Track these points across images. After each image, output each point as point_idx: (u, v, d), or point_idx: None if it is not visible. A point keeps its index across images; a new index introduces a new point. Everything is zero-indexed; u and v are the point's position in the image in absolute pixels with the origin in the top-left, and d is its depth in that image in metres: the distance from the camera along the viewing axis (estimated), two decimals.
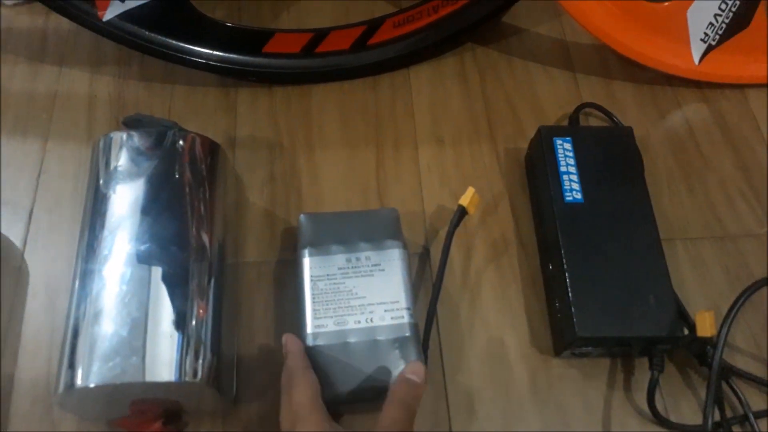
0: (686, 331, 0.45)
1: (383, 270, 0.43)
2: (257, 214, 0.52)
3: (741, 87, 0.60)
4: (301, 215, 0.47)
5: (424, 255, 0.51)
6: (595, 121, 0.59)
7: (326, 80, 0.58)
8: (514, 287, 0.50)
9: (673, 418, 0.45)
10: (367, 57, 0.57)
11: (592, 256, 0.46)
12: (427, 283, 0.50)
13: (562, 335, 0.46)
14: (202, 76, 0.58)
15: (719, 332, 0.42)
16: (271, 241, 0.51)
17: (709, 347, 0.45)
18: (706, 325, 0.43)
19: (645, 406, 0.45)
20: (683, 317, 0.48)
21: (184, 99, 0.57)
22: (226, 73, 0.56)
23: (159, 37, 0.54)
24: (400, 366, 0.41)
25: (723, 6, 0.55)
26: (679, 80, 0.60)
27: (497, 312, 0.49)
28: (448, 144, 0.56)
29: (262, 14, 0.64)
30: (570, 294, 0.45)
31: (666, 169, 0.56)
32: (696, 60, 0.58)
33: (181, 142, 0.45)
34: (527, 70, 0.61)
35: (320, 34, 0.56)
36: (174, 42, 0.54)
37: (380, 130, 0.57)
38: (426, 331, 0.44)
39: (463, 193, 0.49)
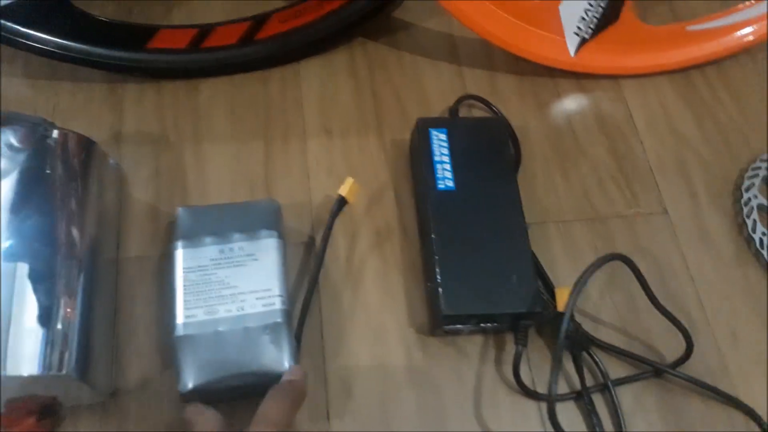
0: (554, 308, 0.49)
1: (257, 259, 0.44)
2: (141, 210, 0.52)
3: (615, 78, 0.64)
4: (179, 208, 0.48)
5: (310, 244, 0.53)
6: (479, 112, 0.61)
7: (215, 75, 0.59)
8: (395, 272, 0.52)
9: (539, 389, 0.49)
10: (255, 51, 0.58)
11: (460, 239, 0.48)
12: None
13: (434, 315, 0.48)
14: (88, 72, 0.57)
15: (567, 303, 0.45)
16: (154, 235, 0.51)
17: (567, 320, 0.48)
18: (565, 300, 0.47)
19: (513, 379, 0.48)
20: (552, 295, 0.52)
21: (70, 96, 0.57)
22: (111, 69, 0.56)
23: (39, 34, 0.53)
24: (271, 351, 0.42)
25: (592, 2, 0.59)
26: (559, 72, 0.64)
27: (378, 297, 0.51)
28: (337, 136, 0.58)
29: (153, 12, 0.64)
30: (438, 275, 0.47)
31: (543, 157, 0.59)
32: (571, 52, 0.61)
33: (52, 139, 0.45)
34: (415, 64, 0.63)
35: (205, 30, 0.57)
36: (55, 39, 0.54)
37: (269, 123, 0.58)
38: (301, 318, 0.45)
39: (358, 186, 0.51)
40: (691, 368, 0.50)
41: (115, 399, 0.45)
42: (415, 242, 0.53)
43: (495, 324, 0.48)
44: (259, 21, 0.57)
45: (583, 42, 0.61)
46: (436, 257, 0.47)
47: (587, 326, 0.51)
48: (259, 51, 0.58)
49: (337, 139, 0.58)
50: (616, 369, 0.50)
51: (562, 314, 0.47)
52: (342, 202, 0.49)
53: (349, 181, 0.50)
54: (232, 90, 0.59)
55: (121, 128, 0.56)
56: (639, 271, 0.48)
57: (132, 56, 0.55)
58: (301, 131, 0.58)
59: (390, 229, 0.54)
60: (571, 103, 0.63)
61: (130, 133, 0.56)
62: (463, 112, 0.61)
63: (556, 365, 0.43)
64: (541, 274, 0.52)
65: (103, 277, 0.45)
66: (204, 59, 0.57)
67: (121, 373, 0.46)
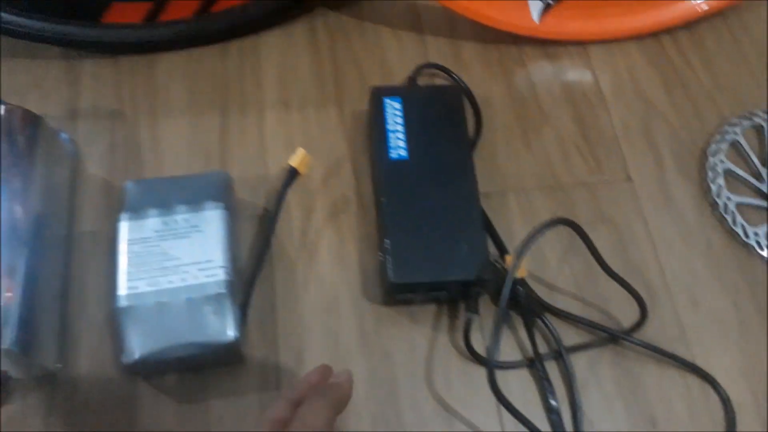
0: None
1: (201, 231, 0.44)
2: (95, 185, 0.52)
3: (583, 44, 0.63)
4: (127, 182, 0.48)
5: (265, 217, 0.52)
6: (443, 81, 0.60)
7: (172, 49, 0.58)
8: (351, 244, 0.52)
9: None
10: (211, 24, 0.57)
11: (411, 208, 0.48)
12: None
13: (385, 284, 0.48)
14: (44, 48, 0.57)
15: (513, 266, 0.45)
16: (108, 210, 0.51)
17: (520, 288, 0.47)
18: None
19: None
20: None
21: (26, 73, 0.57)
22: (66, 45, 0.56)
23: None
24: (214, 322, 0.42)
25: None
26: (524, 39, 0.62)
27: (333, 268, 0.51)
28: (295, 108, 0.57)
29: None
30: (387, 244, 0.47)
31: (506, 126, 0.58)
32: (535, 18, 0.60)
33: None
34: (377, 34, 0.62)
35: (160, 3, 0.56)
36: (9, 16, 0.53)
37: (227, 96, 0.57)
38: (247, 289, 0.45)
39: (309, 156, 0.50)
40: (649, 335, 0.50)
41: (65, 371, 0.45)
42: (371, 213, 0.53)
43: (446, 293, 0.48)
44: None
45: (548, 7, 0.59)
46: (386, 226, 0.47)
47: (543, 293, 0.51)
48: (216, 23, 0.57)
49: (295, 111, 0.57)
50: (572, 336, 0.50)
51: (517, 281, 0.47)
52: (293, 172, 0.49)
53: (301, 152, 0.49)
54: (190, 64, 0.59)
55: (77, 104, 0.56)
56: (587, 235, 0.47)
57: (86, 32, 0.54)
58: (258, 104, 0.57)
59: (347, 201, 0.54)
60: (536, 71, 0.61)
61: (87, 109, 0.55)
62: (425, 82, 0.60)
63: (497, 331, 0.43)
64: (498, 243, 0.52)
65: (50, 253, 0.45)
66: (160, 33, 0.56)
67: (72, 345, 0.46)
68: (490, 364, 0.43)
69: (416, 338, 0.49)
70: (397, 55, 0.61)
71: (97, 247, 0.50)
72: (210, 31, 0.58)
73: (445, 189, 0.49)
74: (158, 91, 0.57)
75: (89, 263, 0.49)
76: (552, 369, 0.48)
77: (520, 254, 0.44)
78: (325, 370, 0.41)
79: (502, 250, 0.52)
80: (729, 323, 0.51)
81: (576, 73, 0.61)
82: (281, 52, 0.60)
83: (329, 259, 0.51)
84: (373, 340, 0.48)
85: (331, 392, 0.38)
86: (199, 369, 0.46)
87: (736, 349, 0.50)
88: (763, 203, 0.56)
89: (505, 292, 0.43)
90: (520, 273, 0.46)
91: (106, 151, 0.54)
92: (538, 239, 0.46)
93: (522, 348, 0.49)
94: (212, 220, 0.45)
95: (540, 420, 0.47)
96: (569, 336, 0.50)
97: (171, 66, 0.58)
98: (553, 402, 0.47)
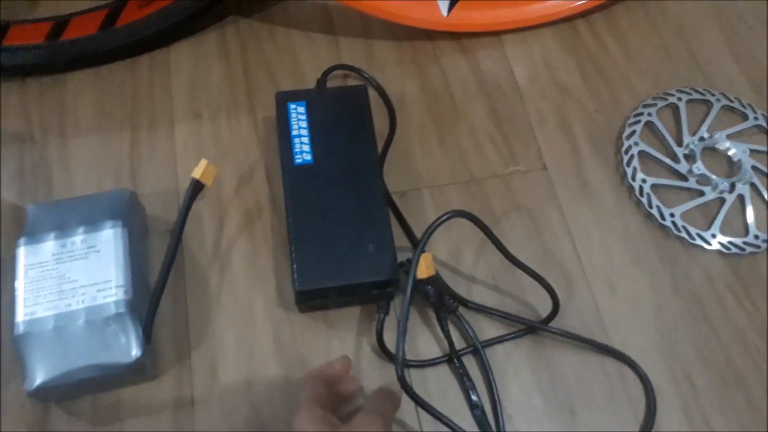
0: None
1: (98, 251, 0.44)
2: (5, 210, 0.52)
3: (498, 34, 0.63)
4: (29, 206, 0.47)
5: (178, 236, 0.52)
6: (355, 82, 0.60)
7: (79, 67, 0.58)
8: (264, 252, 0.52)
9: (410, 356, 0.48)
10: (117, 39, 0.57)
11: (317, 214, 0.48)
12: (177, 260, 0.51)
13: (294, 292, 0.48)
14: None
15: (413, 265, 0.45)
16: (18, 235, 0.50)
17: (429, 287, 0.47)
18: (422, 267, 0.46)
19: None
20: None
21: None
22: None
23: None
24: (116, 342, 0.42)
25: None
26: (438, 35, 0.62)
27: (247, 277, 0.51)
28: (206, 118, 0.57)
29: (17, 10, 0.62)
30: (293, 251, 0.46)
31: (420, 123, 0.58)
32: (444, 12, 0.59)
33: None
34: (289, 38, 0.61)
35: (61, 22, 0.55)
36: None
37: (136, 111, 0.57)
38: (151, 306, 0.45)
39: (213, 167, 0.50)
40: (567, 321, 0.50)
41: None
42: (285, 220, 0.53)
43: (358, 296, 0.48)
44: (116, 8, 0.56)
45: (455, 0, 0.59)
46: (291, 233, 0.47)
47: (461, 287, 0.51)
48: (120, 38, 0.57)
49: (206, 122, 0.57)
50: (490, 329, 0.50)
51: (424, 280, 0.47)
52: (197, 185, 0.48)
53: (203, 163, 0.48)
54: (99, 81, 0.58)
55: None
56: (486, 226, 0.47)
57: None
58: (168, 117, 0.57)
59: (260, 209, 0.53)
60: (450, 66, 0.61)
61: None
62: (338, 84, 0.59)
63: (401, 330, 0.43)
64: (413, 241, 0.52)
65: None
66: (64, 52, 0.56)
67: None
68: (397, 361, 0.43)
69: (333, 343, 0.49)
70: (310, 58, 0.60)
71: (6, 273, 0.49)
72: (115, 46, 0.57)
73: (351, 191, 0.49)
74: (66, 111, 0.57)
75: (1, 291, 0.49)
76: (471, 363, 0.49)
77: (417, 253, 0.44)
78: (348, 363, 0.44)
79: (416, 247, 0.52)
80: (646, 305, 0.51)
81: (490, 65, 0.61)
82: (192, 63, 0.60)
83: (243, 269, 0.51)
84: (288, 348, 0.48)
85: (387, 405, 0.41)
86: (111, 389, 0.46)
87: (653, 331, 0.50)
88: (679, 183, 0.56)
89: (408, 290, 0.43)
90: (428, 272, 0.46)
91: (15, 175, 0.53)
92: (434, 233, 0.46)
93: (441, 345, 0.49)
94: (109, 239, 0.44)
95: (465, 416, 0.47)
96: (488, 329, 0.50)
97: (79, 84, 0.58)
98: (474, 397, 0.47)
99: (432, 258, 0.47)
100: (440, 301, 0.48)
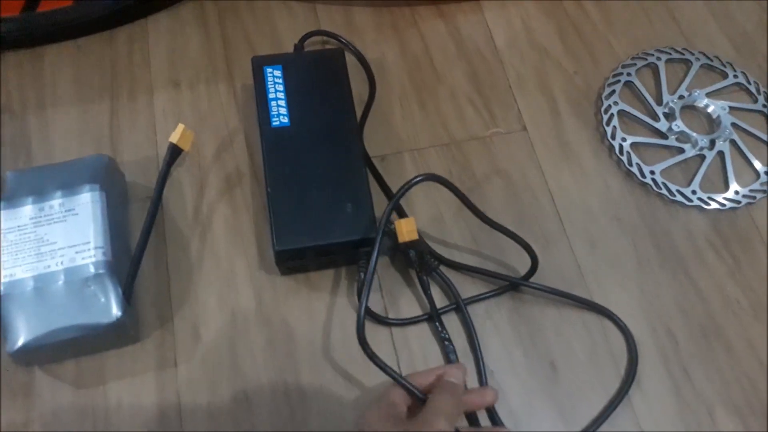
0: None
1: (76, 214, 0.44)
2: None
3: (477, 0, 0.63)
4: (8, 172, 0.47)
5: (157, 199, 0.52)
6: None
7: (57, 39, 0.58)
8: (245, 217, 0.52)
9: (391, 315, 0.49)
10: (94, 11, 0.56)
11: (294, 175, 0.48)
12: (158, 225, 0.51)
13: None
14: None
15: (380, 222, 0.45)
16: None
17: (411, 251, 0.47)
18: (403, 231, 0.46)
19: None
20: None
21: None
22: None
23: None
24: (96, 302, 0.42)
25: None
26: (417, 0, 0.62)
27: (228, 242, 0.51)
28: (185, 87, 0.57)
29: None
30: (271, 213, 0.46)
31: (400, 87, 0.58)
32: None
33: None
34: (267, 6, 0.61)
35: None
36: None
37: (115, 81, 0.57)
38: (132, 268, 0.45)
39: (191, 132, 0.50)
40: (548, 280, 0.50)
41: None
42: (264, 185, 0.53)
43: (337, 256, 0.48)
44: None
45: None
46: (269, 195, 0.47)
47: (441, 250, 0.51)
48: (98, 9, 0.56)
49: (185, 90, 0.57)
50: (472, 288, 0.50)
51: (406, 243, 0.47)
52: (174, 149, 0.48)
53: (180, 128, 0.49)
54: (77, 53, 0.58)
55: None
56: (458, 190, 0.47)
57: None
58: (147, 86, 0.56)
59: (240, 174, 0.53)
60: (429, 31, 0.61)
61: None
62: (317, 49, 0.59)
63: (365, 287, 0.43)
64: (395, 204, 0.52)
65: None
66: (40, 24, 0.56)
67: None
68: (359, 320, 0.42)
69: (314, 304, 0.49)
70: (288, 26, 0.60)
71: None
72: (93, 17, 0.57)
73: (329, 152, 0.49)
74: (45, 83, 0.56)
75: None
76: (454, 321, 0.49)
77: (386, 213, 0.45)
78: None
79: (399, 212, 0.52)
80: (627, 262, 0.51)
81: (469, 29, 0.61)
82: (170, 34, 0.59)
83: (224, 234, 0.51)
84: (270, 310, 0.49)
85: (451, 401, 0.41)
86: (95, 352, 0.46)
87: (634, 287, 0.51)
88: (659, 141, 0.57)
89: (375, 248, 0.43)
90: (410, 236, 0.46)
91: None
92: (414, 196, 0.47)
93: (422, 304, 0.49)
94: (87, 203, 0.44)
95: None
96: (469, 288, 0.50)
97: (57, 57, 0.58)
98: (453, 357, 0.47)
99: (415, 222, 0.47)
100: (421, 261, 0.48)
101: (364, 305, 0.42)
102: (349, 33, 0.60)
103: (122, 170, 0.52)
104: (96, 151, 0.54)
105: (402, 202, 0.52)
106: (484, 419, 0.45)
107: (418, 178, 0.46)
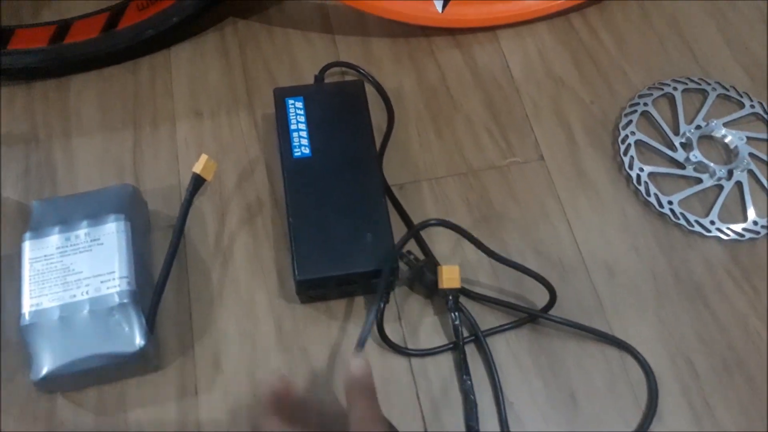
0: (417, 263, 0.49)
1: (102, 244, 0.45)
2: (11, 208, 0.53)
3: (493, 29, 0.63)
4: (34, 202, 0.48)
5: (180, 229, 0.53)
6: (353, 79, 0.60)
7: (82, 70, 0.59)
8: (266, 245, 0.52)
9: (410, 345, 0.49)
10: (119, 42, 0.58)
11: (316, 206, 0.48)
12: (180, 254, 0.52)
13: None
14: None
15: (391, 261, 0.46)
16: (24, 231, 0.52)
17: (450, 297, 0.47)
18: (444, 278, 0.47)
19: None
20: (425, 254, 0.52)
21: None
22: None
23: None
24: (120, 332, 0.43)
25: None
26: (434, 31, 0.63)
27: (249, 271, 0.51)
28: (207, 117, 0.58)
29: (21, 14, 0.64)
30: (292, 242, 0.47)
31: (417, 117, 0.59)
32: (439, 8, 0.60)
33: None
34: (287, 37, 0.62)
35: (64, 26, 0.57)
36: None
37: (138, 110, 0.58)
38: (155, 297, 0.46)
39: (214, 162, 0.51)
40: (567, 310, 0.50)
41: None
42: (285, 214, 0.53)
43: (358, 285, 0.48)
44: (117, 12, 0.57)
45: None
46: (290, 225, 0.47)
47: (462, 283, 0.51)
48: (123, 41, 0.58)
49: (207, 120, 0.58)
50: (491, 317, 0.50)
51: (446, 290, 0.47)
52: (197, 179, 0.49)
53: (203, 158, 0.49)
54: (102, 83, 0.59)
55: None
56: (465, 231, 0.48)
57: None
58: (170, 116, 0.58)
59: (261, 203, 0.54)
60: (446, 60, 0.62)
61: (1, 136, 0.56)
62: (336, 80, 0.60)
63: (369, 316, 0.43)
64: (418, 240, 0.52)
65: None
66: (67, 55, 0.57)
67: None
68: (362, 337, 0.42)
69: (334, 333, 0.49)
70: (308, 57, 0.61)
71: (13, 270, 0.50)
72: (118, 49, 0.58)
73: (349, 182, 0.49)
74: (70, 112, 0.58)
75: (7, 286, 0.49)
76: (472, 352, 0.49)
77: (398, 251, 0.46)
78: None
79: (418, 242, 0.52)
80: (646, 292, 0.51)
81: (485, 58, 0.62)
82: (192, 63, 0.61)
83: (245, 263, 0.52)
84: (290, 339, 0.49)
85: (361, 385, 0.39)
86: (116, 379, 0.46)
87: (653, 317, 0.50)
88: (677, 171, 0.57)
89: (382, 280, 0.45)
90: (451, 284, 0.47)
91: (20, 175, 0.54)
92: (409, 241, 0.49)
93: (438, 335, 0.49)
94: (112, 232, 0.45)
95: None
96: (488, 319, 0.50)
97: (83, 86, 0.59)
98: (471, 397, 0.47)
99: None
100: (456, 303, 0.48)
101: (368, 329, 0.43)
102: (368, 63, 0.61)
103: (145, 199, 0.53)
104: (119, 180, 0.55)
105: (422, 233, 0.52)
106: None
107: (420, 226, 0.48)
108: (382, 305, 0.47)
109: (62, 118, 0.57)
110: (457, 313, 0.48)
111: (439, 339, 0.49)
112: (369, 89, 0.57)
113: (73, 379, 0.44)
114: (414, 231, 0.49)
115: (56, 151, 0.56)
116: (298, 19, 0.63)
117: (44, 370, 0.42)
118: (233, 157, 0.56)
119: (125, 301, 0.43)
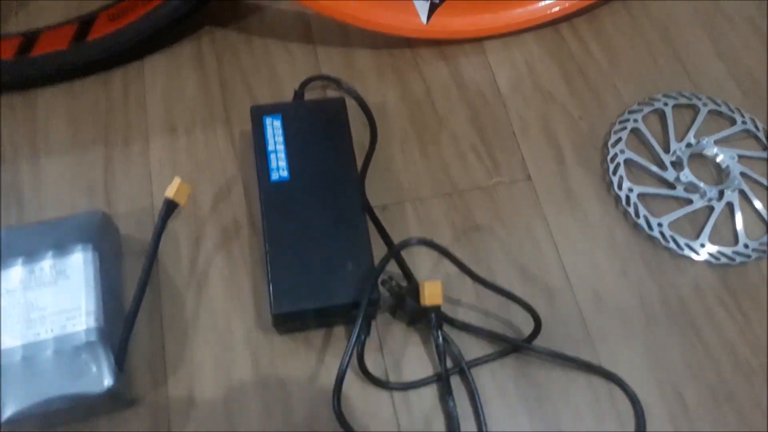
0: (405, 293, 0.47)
1: (68, 277, 0.42)
2: None
3: (480, 40, 0.61)
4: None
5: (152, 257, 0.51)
6: (334, 93, 0.58)
7: (51, 83, 0.56)
8: (242, 272, 0.50)
9: (392, 377, 0.47)
10: (89, 54, 0.55)
11: (294, 233, 0.46)
12: (153, 281, 0.50)
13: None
14: None
15: (369, 293, 0.44)
16: None
17: (432, 314, 0.46)
18: (426, 294, 0.45)
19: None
20: (407, 277, 0.50)
21: None
22: None
23: None
24: (87, 372, 0.41)
25: None
26: (418, 42, 0.61)
27: (224, 298, 0.49)
28: (182, 133, 0.55)
29: None
30: (269, 273, 0.45)
31: (401, 133, 0.57)
32: (423, 19, 0.58)
33: None
34: (267, 49, 0.60)
35: (31, 37, 0.54)
36: None
37: (110, 127, 0.55)
38: (126, 331, 0.44)
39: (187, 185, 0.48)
40: (553, 337, 0.49)
41: None
42: (262, 238, 0.52)
43: (336, 317, 0.47)
44: (87, 22, 0.54)
45: (434, 6, 0.58)
46: (267, 254, 0.45)
47: (445, 307, 0.49)
48: (93, 52, 0.55)
49: (182, 136, 0.55)
50: (475, 345, 0.49)
51: (430, 308, 0.46)
52: (171, 204, 0.47)
53: (176, 182, 0.47)
54: (71, 97, 0.56)
55: None
56: (448, 251, 0.46)
57: None
58: (143, 132, 0.55)
59: (238, 226, 0.52)
60: (431, 74, 0.60)
61: None
62: (317, 95, 0.58)
63: (350, 346, 0.42)
64: (399, 261, 0.50)
65: None
66: (35, 68, 0.54)
67: None
68: (336, 390, 0.42)
69: (313, 365, 0.47)
70: (288, 69, 0.59)
71: None
72: (88, 60, 0.55)
73: (329, 208, 0.47)
74: (38, 129, 0.55)
75: None
76: (455, 382, 0.47)
77: (376, 277, 0.44)
78: None
79: (400, 265, 0.51)
80: (634, 318, 0.50)
81: (472, 72, 0.60)
82: (167, 76, 0.58)
83: (220, 289, 0.50)
84: (267, 371, 0.47)
85: None
86: (87, 417, 0.45)
87: (641, 345, 0.49)
88: (667, 192, 0.55)
89: (360, 313, 0.43)
90: (433, 300, 0.45)
91: None
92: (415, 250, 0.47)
93: (424, 366, 0.48)
94: (79, 264, 0.43)
95: None
96: (473, 349, 0.48)
97: (51, 101, 0.56)
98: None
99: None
100: (439, 324, 0.46)
101: (342, 377, 0.42)
102: (350, 76, 0.58)
103: (116, 222, 0.50)
104: (89, 202, 0.52)
105: (404, 254, 0.51)
106: None
107: (402, 244, 0.46)
108: (362, 338, 0.46)
109: (29, 135, 0.55)
110: (440, 332, 0.47)
111: (422, 368, 0.48)
112: (351, 104, 0.55)
113: (41, 420, 0.42)
114: (394, 251, 0.47)
115: (23, 172, 0.53)
116: (278, 28, 0.61)
117: (8, 412, 0.40)
118: (209, 176, 0.54)
119: (92, 339, 0.41)
